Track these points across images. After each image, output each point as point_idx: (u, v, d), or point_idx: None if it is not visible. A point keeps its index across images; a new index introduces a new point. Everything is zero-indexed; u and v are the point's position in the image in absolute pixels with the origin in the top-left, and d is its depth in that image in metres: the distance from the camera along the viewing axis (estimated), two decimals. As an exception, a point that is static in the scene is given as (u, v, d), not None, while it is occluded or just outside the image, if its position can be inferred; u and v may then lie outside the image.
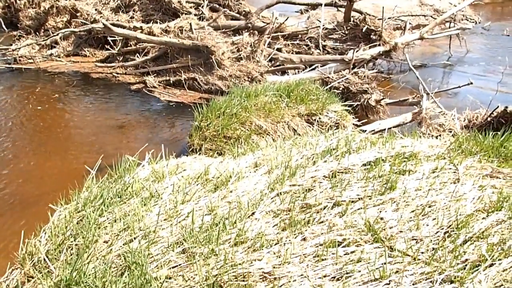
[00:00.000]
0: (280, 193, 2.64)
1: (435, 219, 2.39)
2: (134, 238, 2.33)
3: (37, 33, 8.57)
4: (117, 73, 7.12)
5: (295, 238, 2.25)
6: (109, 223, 2.52)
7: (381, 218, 2.39)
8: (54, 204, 2.90)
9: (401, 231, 2.31)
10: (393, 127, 5.08)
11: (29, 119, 5.74)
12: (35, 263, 2.36)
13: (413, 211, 2.48)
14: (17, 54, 7.54)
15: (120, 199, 2.76)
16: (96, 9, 8.87)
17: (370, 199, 2.56)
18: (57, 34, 7.87)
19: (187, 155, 4.01)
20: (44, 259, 2.35)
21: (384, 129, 4.61)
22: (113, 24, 7.15)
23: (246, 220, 2.40)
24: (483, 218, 2.45)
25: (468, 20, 11.15)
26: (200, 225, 2.37)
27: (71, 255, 2.32)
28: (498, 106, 4.75)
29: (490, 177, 2.96)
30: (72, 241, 2.39)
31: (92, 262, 2.21)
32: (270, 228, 2.35)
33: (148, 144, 4.08)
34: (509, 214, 2.46)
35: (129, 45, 7.60)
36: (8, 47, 7.74)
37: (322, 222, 2.37)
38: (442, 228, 2.34)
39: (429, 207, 2.52)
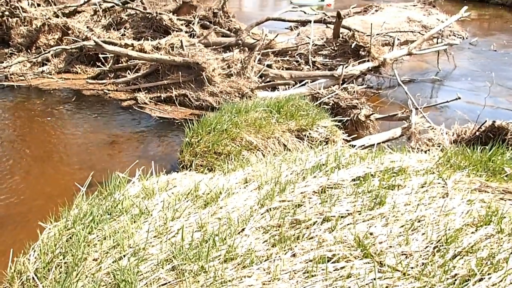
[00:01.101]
0: (270, 209, 2.64)
1: (424, 233, 2.41)
2: (124, 256, 2.32)
3: (29, 51, 8.57)
4: (108, 90, 7.12)
5: (285, 254, 2.25)
6: (98, 240, 2.51)
7: (371, 233, 2.40)
8: (43, 221, 2.88)
9: (390, 246, 2.32)
10: (383, 142, 5.13)
11: (20, 136, 5.71)
12: (24, 281, 2.34)
13: (402, 226, 2.49)
14: (8, 72, 7.53)
15: (110, 216, 2.75)
16: (87, 27, 8.91)
17: (359, 214, 2.57)
18: (49, 52, 7.88)
19: (177, 171, 4.00)
20: (33, 278, 2.32)
21: (374, 144, 4.65)
22: (104, 42, 7.17)
23: (236, 237, 2.40)
24: (472, 233, 2.46)
25: (455, 36, 11.35)
26: (190, 242, 2.36)
27: (60, 273, 2.30)
28: (486, 121, 4.81)
29: (478, 191, 2.98)
30: (61, 259, 2.37)
31: (81, 280, 2.19)
32: (260, 244, 2.35)
33: (139, 161, 4.08)
34: (497, 228, 2.48)
35: (120, 62, 7.62)
36: (-1, 64, 7.74)
37: (312, 238, 2.37)
38: (432, 243, 2.35)
39: (419, 221, 2.53)
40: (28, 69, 7.75)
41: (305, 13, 12.47)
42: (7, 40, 9.29)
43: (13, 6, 9.59)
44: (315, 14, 11.97)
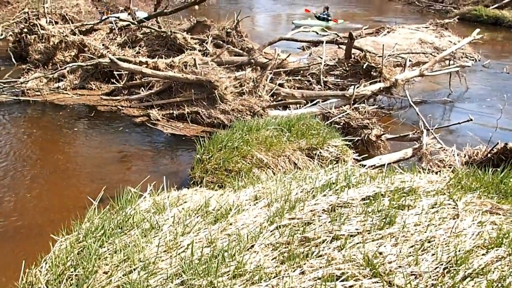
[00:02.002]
0: (280, 226, 2.65)
1: (434, 254, 2.39)
2: (134, 269, 2.34)
3: (45, 67, 8.78)
4: (122, 106, 7.24)
5: (294, 271, 2.25)
6: (109, 254, 2.53)
7: (380, 253, 2.39)
8: (55, 234, 2.92)
9: (400, 266, 2.31)
10: (394, 162, 5.12)
11: (35, 150, 5.82)
12: (35, 293, 2.36)
13: (412, 246, 2.47)
14: (25, 87, 7.70)
15: (121, 230, 2.78)
16: (103, 44, 9.11)
17: (369, 233, 2.57)
18: (65, 68, 8.04)
19: (188, 187, 4.04)
20: (44, 290, 2.35)
21: (384, 164, 4.64)
22: (119, 59, 7.32)
23: (245, 253, 2.41)
24: (482, 254, 2.44)
25: (468, 58, 11.34)
26: (200, 257, 2.38)
27: (71, 285, 2.32)
28: (498, 143, 4.79)
29: (489, 213, 2.96)
30: (72, 271, 2.39)
31: (91, 293, 2.22)
32: (269, 261, 2.35)
33: (150, 176, 4.12)
34: (509, 250, 2.45)
35: (134, 79, 7.77)
36: (17, 79, 7.91)
37: (320, 256, 2.37)
38: (442, 264, 2.33)
39: (428, 242, 2.52)
40: (44, 85, 7.92)
41: (317, 33, 12.60)
42: (24, 56, 9.54)
43: (32, 24, 9.87)
44: (327, 35, 12.09)
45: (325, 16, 15.88)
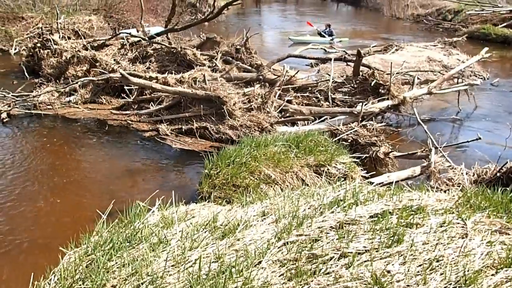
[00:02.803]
0: (287, 242, 2.65)
1: (442, 274, 2.38)
2: (142, 283, 2.35)
3: (57, 81, 8.92)
4: (132, 121, 7.31)
5: (301, 288, 2.25)
6: (117, 267, 2.55)
7: (388, 271, 2.38)
8: (64, 247, 2.94)
9: (408, 285, 2.29)
10: (402, 180, 5.10)
11: (45, 163, 5.88)
12: (43, 306, 2.38)
13: (420, 265, 2.46)
14: (37, 100, 7.82)
15: (129, 244, 2.80)
16: (114, 60, 9.25)
17: (377, 251, 2.56)
18: (77, 82, 8.17)
19: (196, 202, 4.06)
20: (52, 303, 2.36)
21: (392, 182, 4.63)
22: (130, 74, 7.43)
23: (252, 269, 2.41)
24: (492, 275, 2.42)
25: (476, 76, 11.32)
26: (207, 272, 2.39)
27: (78, 299, 2.34)
28: (507, 162, 4.77)
29: (499, 233, 2.94)
30: (80, 284, 2.41)
31: (99, 306, 2.23)
32: (276, 278, 2.36)
33: (159, 191, 4.15)
34: (518, 271, 2.44)
35: (144, 94, 7.86)
36: (29, 93, 8.04)
37: (328, 273, 2.37)
38: (450, 284, 2.32)
39: (437, 261, 2.51)
40: (56, 99, 8.04)
41: (325, 51, 12.71)
42: (37, 70, 9.71)
43: (45, 39, 10.06)
44: (336, 52, 12.18)
45: (327, 34, 15.94)
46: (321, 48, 13.14)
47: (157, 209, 3.40)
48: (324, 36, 15.79)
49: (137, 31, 11.21)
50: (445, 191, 4.39)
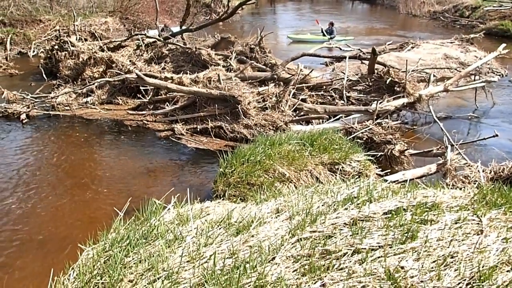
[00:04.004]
0: (301, 239, 2.67)
1: (457, 270, 2.37)
2: (158, 278, 2.39)
3: (75, 82, 9.08)
4: (147, 121, 7.41)
5: (315, 283, 2.27)
6: (134, 263, 2.60)
7: (402, 267, 2.38)
8: (83, 243, 3.01)
9: (422, 281, 2.29)
10: (417, 177, 5.07)
11: (63, 162, 6.00)
12: (62, 300, 2.44)
13: (434, 261, 2.46)
14: (55, 102, 7.97)
15: (145, 241, 2.85)
16: (130, 61, 9.37)
17: (390, 247, 2.56)
18: (93, 83, 8.30)
19: (211, 200, 4.10)
20: (71, 297, 2.43)
21: (408, 180, 4.60)
22: (145, 75, 7.52)
23: (266, 265, 2.44)
24: (507, 271, 2.40)
25: (494, 73, 11.16)
26: (222, 268, 2.42)
27: (96, 293, 2.40)
28: (524, 159, 4.71)
29: (515, 229, 2.91)
30: (99, 280, 2.47)
31: (116, 301, 2.28)
32: (290, 273, 2.38)
33: (174, 189, 4.21)
34: (534, 267, 2.41)
35: (159, 94, 7.95)
36: (47, 95, 8.20)
37: (341, 269, 2.38)
38: (464, 280, 2.31)
39: (451, 257, 2.50)
40: (73, 100, 8.18)
41: (340, 49, 12.65)
42: (55, 72, 9.90)
43: (62, 41, 10.26)
44: (351, 50, 12.13)
45: (328, 32, 15.98)
46: (337, 47, 13.10)
47: (172, 207, 3.45)
48: (326, 34, 15.85)
49: (163, 30, 11.34)
50: (460, 189, 4.36)
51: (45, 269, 3.51)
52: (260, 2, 31.99)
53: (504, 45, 9.95)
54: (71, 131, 7.11)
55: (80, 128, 7.20)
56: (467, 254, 2.51)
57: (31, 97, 7.92)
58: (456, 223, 2.87)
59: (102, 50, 9.81)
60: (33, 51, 12.80)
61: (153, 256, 2.62)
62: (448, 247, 2.57)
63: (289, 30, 18.71)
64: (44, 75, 9.86)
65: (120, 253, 2.70)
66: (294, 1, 38.06)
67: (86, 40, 11.37)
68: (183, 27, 11.25)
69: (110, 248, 2.81)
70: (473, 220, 2.93)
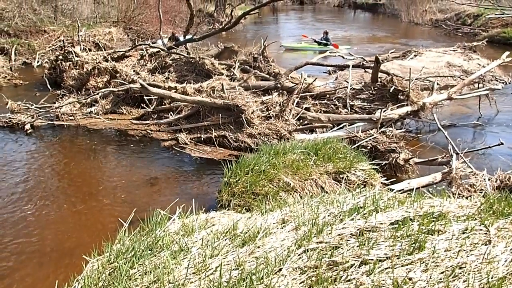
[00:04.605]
0: (307, 250, 2.65)
1: (465, 281, 2.34)
2: (164, 291, 2.38)
3: (79, 92, 9.13)
4: (151, 130, 7.42)
5: (322, 296, 2.24)
6: (139, 275, 2.58)
7: (410, 279, 2.36)
8: (87, 255, 3.00)
9: (430, 293, 2.27)
10: (423, 186, 5.04)
11: (67, 172, 6.00)
12: (67, 312, 2.42)
13: (442, 272, 2.43)
14: (59, 112, 8.00)
15: (150, 252, 2.84)
16: (134, 70, 9.41)
17: (398, 258, 2.54)
18: (98, 93, 8.32)
19: (216, 210, 4.09)
20: (76, 309, 2.41)
21: (413, 189, 4.58)
22: (149, 84, 7.54)
23: (273, 276, 2.41)
24: (516, 282, 2.38)
25: (497, 81, 11.15)
26: (228, 280, 2.40)
27: (102, 306, 2.38)
28: (530, 167, 4.67)
29: (523, 239, 2.88)
30: (104, 292, 2.45)
31: (122, 313, 2.26)
32: (297, 285, 2.36)
33: (179, 199, 4.20)
34: (544, 278, 2.38)
35: (163, 103, 7.96)
36: (52, 105, 8.23)
37: (349, 280, 2.36)
38: (474, 291, 2.28)
39: (460, 268, 2.47)
40: (77, 110, 8.21)
41: (343, 57, 12.69)
42: (59, 82, 9.95)
43: (66, 51, 10.32)
44: (354, 59, 12.15)
45: (324, 41, 16.23)
46: (339, 56, 13.14)
47: (177, 217, 3.44)
48: (321, 44, 16.14)
49: (171, 39, 11.40)
50: (467, 198, 4.33)
51: (49, 281, 3.51)
52: (262, 12, 32.19)
53: (507, 53, 9.95)
54: (75, 141, 7.12)
55: (84, 138, 7.21)
56: (476, 265, 2.48)
57: (35, 107, 7.95)
58: (463, 233, 2.84)
59: (106, 60, 9.86)
60: (38, 62, 12.88)
61: (159, 268, 2.60)
62: (456, 258, 2.54)
63: (292, 39, 18.79)
64: (48, 85, 9.92)
65: (125, 264, 2.68)
66: (296, 10, 38.27)
67: (90, 50, 11.43)
68: (187, 37, 11.31)
69: (115, 260, 2.80)
70: (481, 230, 2.91)
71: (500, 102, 9.17)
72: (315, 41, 16.44)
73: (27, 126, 7.48)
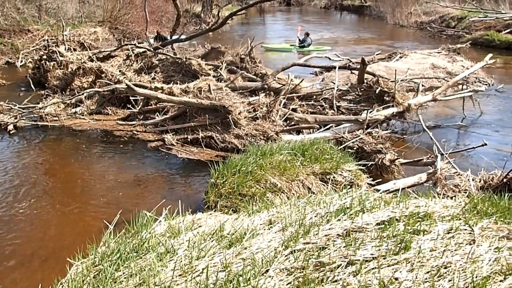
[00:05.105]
0: (294, 251, 2.65)
1: (450, 280, 2.37)
2: (149, 293, 2.35)
3: (63, 92, 9.02)
4: (137, 131, 7.36)
5: (309, 296, 2.24)
6: (125, 277, 2.56)
7: (396, 278, 2.37)
8: (72, 258, 2.96)
9: (416, 292, 2.29)
10: (408, 187, 5.09)
11: (52, 174, 5.92)
12: (51, 316, 2.38)
13: (428, 272, 2.45)
14: (43, 112, 7.88)
15: (136, 254, 2.81)
16: (120, 71, 9.33)
17: (384, 258, 2.55)
18: (82, 94, 8.24)
19: (202, 212, 4.06)
20: (60, 313, 2.37)
21: (399, 189, 4.62)
22: (135, 85, 7.48)
23: (260, 278, 2.41)
24: (500, 281, 2.41)
25: (481, 83, 11.31)
26: (215, 282, 2.39)
27: (86, 309, 2.34)
28: (513, 168, 4.75)
29: (507, 239, 2.92)
30: (88, 295, 2.42)
31: (107, 316, 2.23)
32: (284, 286, 2.35)
33: (165, 200, 4.17)
34: (527, 277, 2.42)
35: (150, 104, 7.91)
36: (36, 105, 8.11)
37: (336, 281, 2.36)
38: (459, 290, 2.31)
39: (445, 268, 2.49)
40: (62, 110, 8.11)
41: (330, 59, 12.75)
42: (43, 82, 9.82)
43: (51, 51, 10.18)
44: (340, 60, 12.23)
45: (303, 43, 16.67)
46: (326, 57, 13.24)
47: (164, 219, 3.41)
48: (300, 45, 16.61)
49: (156, 38, 11.30)
50: (451, 198, 4.38)
51: (32, 285, 3.45)
52: (249, 12, 32.21)
53: (490, 55, 10.10)
54: (60, 142, 7.03)
55: (69, 139, 7.12)
56: (460, 264, 2.51)
57: (18, 107, 7.83)
58: (448, 233, 2.87)
59: (91, 60, 9.76)
60: (21, 61, 12.70)
61: (145, 270, 2.58)
62: (441, 258, 2.57)
63: (279, 40, 18.84)
64: (32, 85, 9.78)
65: (110, 267, 2.65)
66: (283, 12, 38.35)
67: (75, 50, 11.33)
68: (174, 37, 11.26)
69: (100, 262, 2.76)
70: (465, 229, 2.94)
71: (483, 104, 9.31)
72: (299, 40, 16.74)
73: (10, 127, 7.36)
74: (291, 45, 16.79)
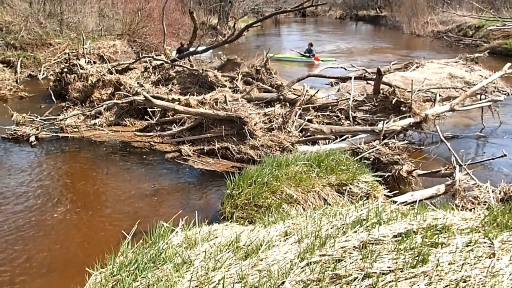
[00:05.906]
0: (310, 263, 2.64)
1: (470, 294, 2.33)
2: (166, 304, 2.37)
3: (83, 104, 9.18)
4: (155, 142, 7.44)
5: (325, 309, 2.23)
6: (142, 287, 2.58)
7: (413, 292, 2.35)
8: (90, 267, 3.00)
9: (434, 306, 2.26)
10: (426, 198, 5.03)
11: (71, 184, 6.02)
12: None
13: (446, 286, 2.42)
14: (63, 124, 8.04)
15: (153, 265, 2.84)
16: (138, 83, 9.47)
17: (401, 271, 2.53)
18: (102, 105, 8.37)
19: (218, 223, 4.08)
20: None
21: (416, 201, 4.56)
22: (153, 96, 7.59)
23: (276, 289, 2.41)
24: (521, 295, 2.37)
25: (500, 92, 11.15)
26: (231, 293, 2.40)
27: (104, 319, 2.37)
28: (534, 179, 4.66)
29: (528, 252, 2.87)
30: (107, 305, 2.45)
31: (125, 327, 2.25)
32: (300, 298, 2.35)
33: (182, 211, 4.20)
34: (548, 291, 2.37)
35: (167, 115, 8.00)
36: (56, 117, 8.28)
37: (352, 293, 2.35)
38: (478, 305, 2.27)
39: (464, 282, 2.46)
40: (81, 122, 8.25)
41: (345, 69, 12.74)
42: (64, 94, 10.01)
43: (72, 64, 10.41)
44: (356, 70, 12.20)
45: (306, 54, 16.86)
46: (341, 67, 13.23)
47: (180, 230, 3.44)
48: (304, 55, 16.82)
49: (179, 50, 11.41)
50: (470, 210, 4.32)
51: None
52: (265, 24, 32.43)
53: (509, 64, 9.97)
54: (80, 153, 7.16)
55: (88, 150, 7.24)
56: (480, 278, 2.47)
57: (40, 119, 8.00)
58: (467, 246, 2.83)
59: (111, 73, 9.93)
60: (43, 74, 12.99)
61: (162, 280, 2.60)
62: (460, 271, 2.53)
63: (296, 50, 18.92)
64: (53, 98, 9.99)
65: (128, 277, 2.68)
66: (298, 22, 38.49)
67: (94, 62, 11.54)
68: (190, 49, 11.40)
69: (118, 272, 2.80)
70: (485, 242, 2.89)
71: (502, 113, 9.17)
72: (300, 54, 17.04)
73: (32, 138, 7.52)
74: (301, 55, 16.98)
